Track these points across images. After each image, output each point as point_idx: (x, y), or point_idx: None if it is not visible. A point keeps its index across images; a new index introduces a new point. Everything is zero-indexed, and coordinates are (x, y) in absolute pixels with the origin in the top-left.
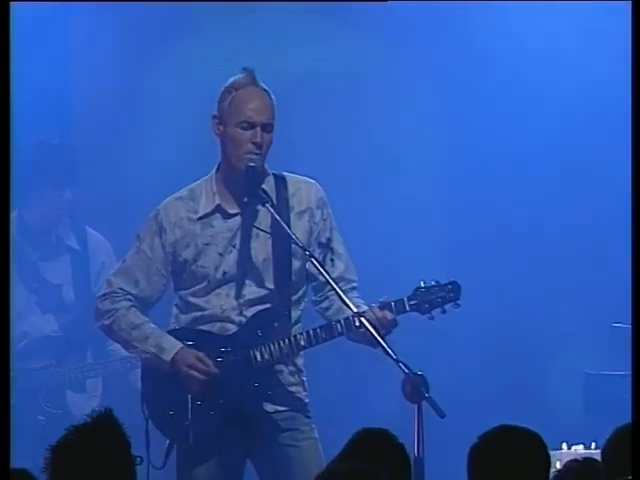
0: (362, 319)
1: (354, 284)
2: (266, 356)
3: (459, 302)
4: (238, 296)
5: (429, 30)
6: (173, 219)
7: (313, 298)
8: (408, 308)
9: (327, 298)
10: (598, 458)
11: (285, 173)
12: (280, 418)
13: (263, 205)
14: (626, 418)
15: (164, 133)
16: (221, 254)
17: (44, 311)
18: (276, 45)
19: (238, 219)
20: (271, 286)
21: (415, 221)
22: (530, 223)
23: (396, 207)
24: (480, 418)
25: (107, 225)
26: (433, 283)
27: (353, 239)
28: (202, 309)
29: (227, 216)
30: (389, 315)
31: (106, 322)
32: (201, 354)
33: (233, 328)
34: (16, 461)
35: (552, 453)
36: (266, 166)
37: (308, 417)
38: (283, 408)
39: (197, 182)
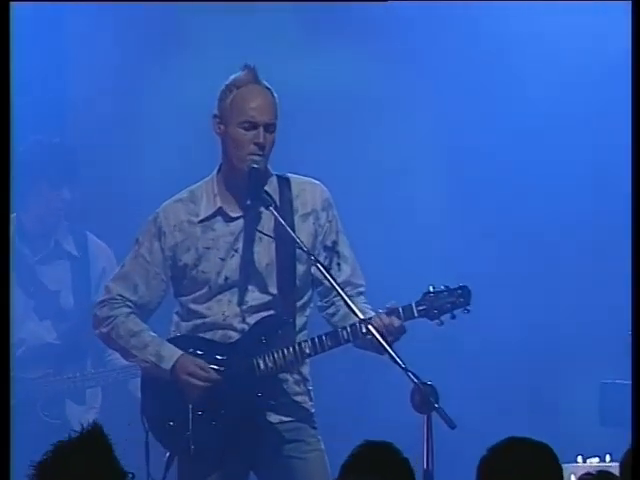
0: (369, 326)
1: (361, 289)
2: (270, 365)
3: (469, 308)
4: (240, 302)
5: (429, 30)
6: (173, 222)
7: (319, 304)
8: (416, 314)
9: (333, 304)
10: (614, 471)
11: (289, 174)
12: (285, 429)
13: (267, 208)
14: None
15: (164, 133)
16: (223, 259)
17: (42, 318)
18: (277, 45)
19: (240, 222)
20: (275, 292)
21: (424, 223)
22: (545, 228)
23: (404, 208)
24: (492, 429)
25: (106, 228)
26: (442, 288)
27: (360, 242)
28: (203, 316)
29: (229, 219)
30: (396, 321)
31: (104, 330)
32: (201, 361)
33: (235, 336)
34: (15, 473)
35: (566, 466)
36: (269, 167)
37: (314, 428)
38: (288, 418)
39: (198, 184)
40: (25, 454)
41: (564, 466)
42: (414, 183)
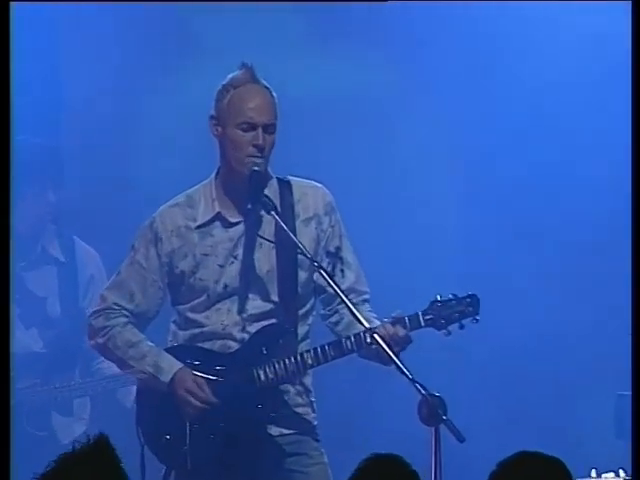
0: (374, 335)
1: (365, 296)
2: (271, 375)
3: (478, 317)
4: (240, 311)
5: (429, 30)
6: (170, 227)
7: (322, 312)
8: (423, 323)
9: (337, 312)
10: None
11: (290, 177)
12: (286, 442)
13: (268, 213)
14: None
15: (159, 135)
16: (222, 266)
17: (28, 326)
18: (278, 45)
19: (239, 228)
20: (276, 300)
21: (431, 228)
22: (555, 234)
23: (410, 212)
24: (502, 443)
25: (95, 233)
26: (450, 296)
27: (364, 247)
28: (202, 325)
29: (228, 225)
30: (402, 331)
31: (100, 340)
32: (200, 379)
33: (235, 345)
34: None
35: None
36: (269, 169)
37: (317, 440)
38: (289, 431)
39: (195, 187)
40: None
41: None
42: (420, 186)
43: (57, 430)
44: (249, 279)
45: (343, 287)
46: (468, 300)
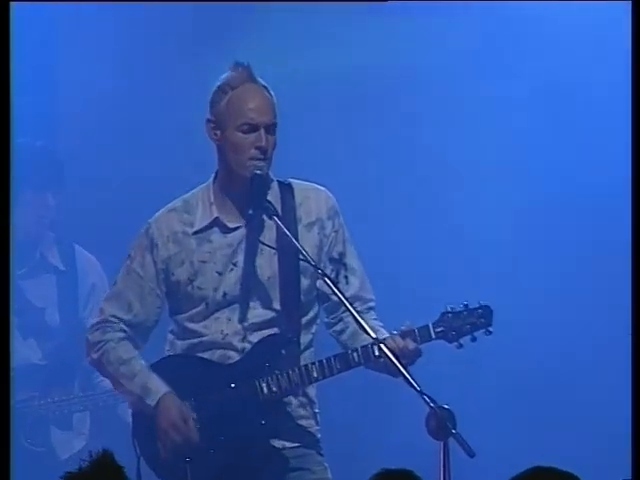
0: (383, 346)
1: (371, 304)
2: (274, 388)
3: (491, 329)
4: (241, 320)
5: (430, 30)
6: (166, 233)
7: (325, 320)
8: (434, 336)
9: (341, 320)
10: None
11: (291, 179)
12: (289, 456)
13: (270, 218)
14: None
15: (159, 139)
16: (220, 273)
17: (26, 336)
18: (278, 44)
19: (239, 233)
20: (278, 308)
21: (440, 234)
22: (568, 245)
23: (418, 217)
24: (513, 457)
25: (96, 240)
26: (462, 307)
27: (369, 253)
28: (200, 335)
29: (226, 230)
30: (412, 344)
31: (95, 356)
32: (186, 412)
33: (235, 356)
34: None
35: None
36: (269, 172)
37: (321, 454)
38: (292, 444)
39: (192, 192)
40: None
41: None
42: (428, 189)
43: (56, 446)
44: (249, 286)
45: (347, 294)
46: (480, 311)
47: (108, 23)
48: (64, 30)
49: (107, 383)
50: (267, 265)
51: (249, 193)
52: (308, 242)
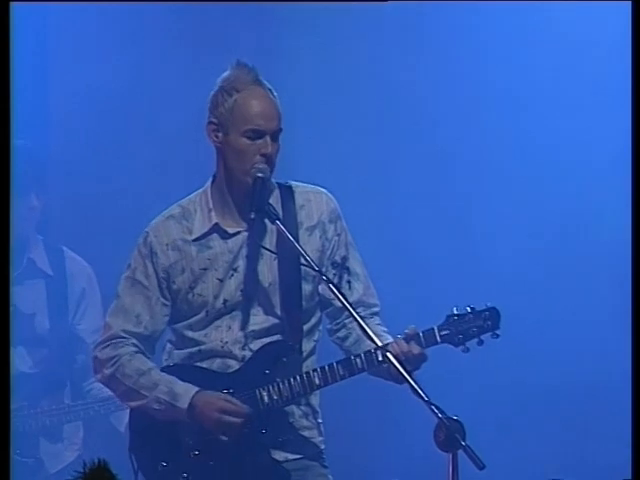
0: (387, 353)
1: (375, 309)
2: (275, 397)
3: (498, 332)
4: (241, 327)
5: (430, 30)
6: (165, 241)
7: (328, 326)
8: (439, 339)
9: (344, 326)
10: None
11: (291, 182)
12: (291, 468)
13: (272, 222)
14: None
15: (154, 138)
16: (221, 280)
17: (14, 344)
18: (278, 44)
19: (239, 239)
20: (279, 314)
21: (445, 236)
22: (579, 248)
23: (422, 220)
24: (525, 471)
25: (86, 243)
26: (468, 310)
27: (372, 257)
28: (200, 343)
29: (226, 236)
30: (416, 349)
31: (107, 371)
32: (225, 395)
33: (235, 364)
34: None
35: None
36: None
37: (325, 467)
38: (294, 456)
39: (189, 197)
40: None
41: None
42: (432, 191)
43: (45, 458)
44: (250, 293)
45: (351, 300)
46: (487, 313)
47: (106, 23)
48: (58, 30)
49: (99, 391)
50: (268, 270)
51: (250, 197)
52: (310, 246)
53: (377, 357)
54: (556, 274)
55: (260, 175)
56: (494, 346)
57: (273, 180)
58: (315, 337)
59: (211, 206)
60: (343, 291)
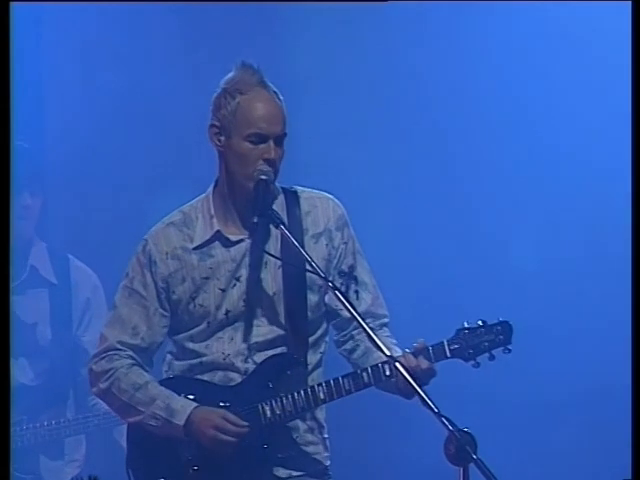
0: (397, 366)
1: (384, 320)
2: (277, 411)
3: (510, 347)
4: (244, 339)
5: (430, 30)
6: (165, 249)
7: (335, 338)
8: (449, 354)
9: (352, 338)
10: None
11: (297, 187)
12: None
13: (276, 227)
14: None
15: (157, 141)
16: (223, 289)
17: (16, 355)
18: (277, 44)
19: (242, 246)
20: (284, 325)
21: (456, 244)
22: (591, 260)
23: (432, 227)
24: None
25: (92, 250)
26: (479, 323)
27: (381, 266)
28: (201, 355)
29: (229, 244)
30: (425, 363)
31: (103, 385)
32: (223, 411)
33: (238, 377)
34: None
35: None
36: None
37: None
38: (298, 473)
39: (191, 203)
40: None
41: None
42: (444, 197)
43: (45, 474)
44: (253, 303)
45: (359, 311)
46: (499, 328)
47: (106, 24)
48: (58, 30)
49: (103, 405)
50: (272, 279)
51: (253, 202)
52: (315, 254)
53: (384, 371)
54: (568, 288)
55: (263, 177)
56: (505, 360)
57: (277, 185)
58: (321, 349)
59: (213, 212)
60: (351, 301)
